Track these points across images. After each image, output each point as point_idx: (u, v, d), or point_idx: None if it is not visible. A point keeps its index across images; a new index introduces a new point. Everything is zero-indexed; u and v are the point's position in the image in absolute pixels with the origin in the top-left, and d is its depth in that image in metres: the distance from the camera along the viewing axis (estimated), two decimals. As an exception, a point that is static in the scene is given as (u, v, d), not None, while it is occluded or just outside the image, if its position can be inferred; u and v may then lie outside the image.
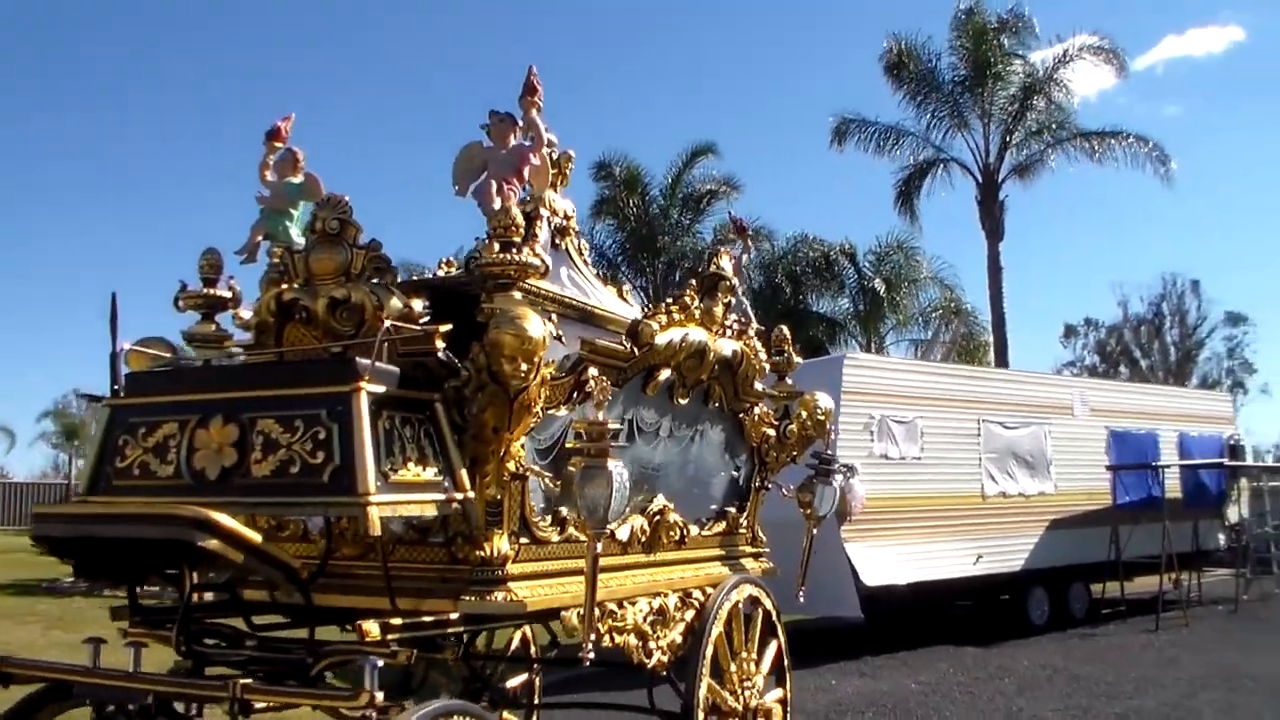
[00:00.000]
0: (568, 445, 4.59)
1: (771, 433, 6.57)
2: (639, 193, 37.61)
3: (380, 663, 3.60)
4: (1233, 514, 19.44)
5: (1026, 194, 43.77)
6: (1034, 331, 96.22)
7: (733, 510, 6.31)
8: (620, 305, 6.03)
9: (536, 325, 4.16)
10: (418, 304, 4.30)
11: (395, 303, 4.26)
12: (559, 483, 4.57)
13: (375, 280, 4.33)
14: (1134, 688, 11.04)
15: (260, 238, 5.14)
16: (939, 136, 33.31)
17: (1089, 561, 16.38)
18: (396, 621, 4.07)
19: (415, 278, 4.66)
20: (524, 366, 4.12)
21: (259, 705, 3.99)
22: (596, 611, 4.79)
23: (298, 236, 5.06)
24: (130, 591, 4.58)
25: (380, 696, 3.54)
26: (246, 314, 4.81)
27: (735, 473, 6.38)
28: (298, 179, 5.15)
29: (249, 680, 3.75)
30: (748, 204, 56.55)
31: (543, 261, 4.58)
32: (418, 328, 4.21)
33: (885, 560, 13.31)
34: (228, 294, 5.00)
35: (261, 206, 5.16)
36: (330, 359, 4.21)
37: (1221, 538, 19.10)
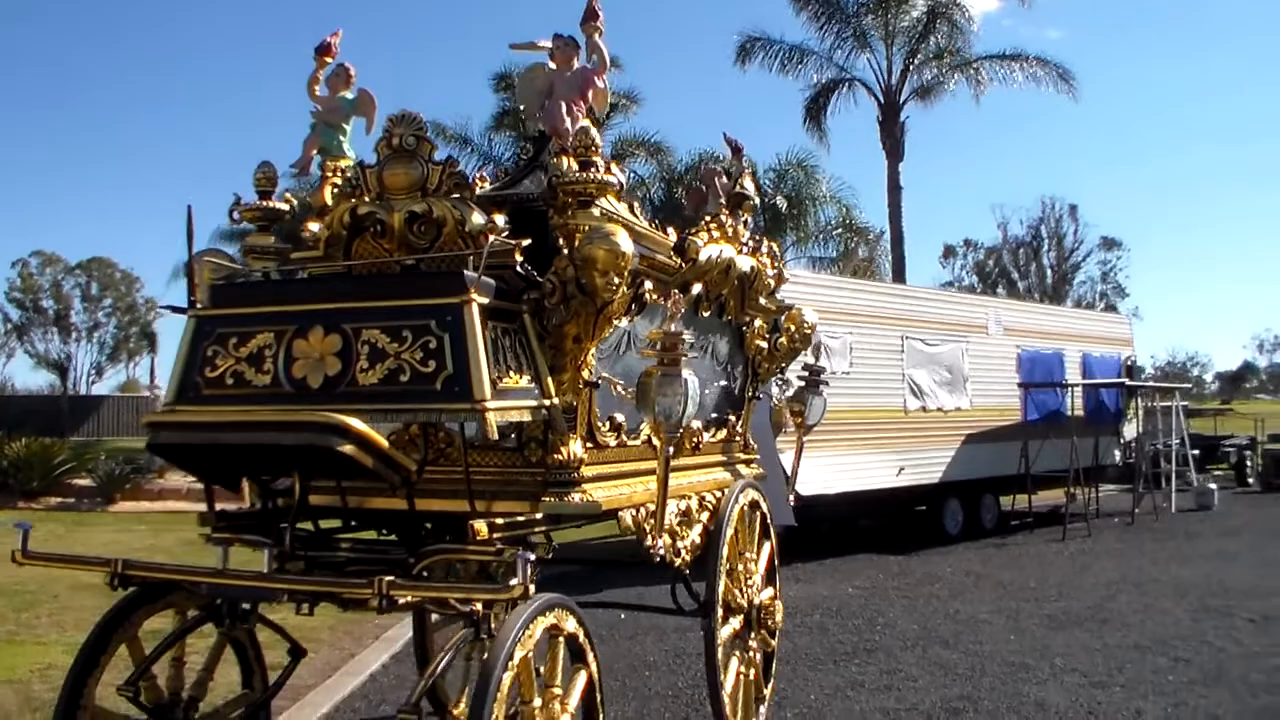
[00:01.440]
0: (644, 354, 4.71)
1: (764, 345, 6.79)
2: (538, 103, 37.31)
3: (532, 557, 3.71)
4: (1128, 431, 20.40)
5: (927, 115, 44.31)
6: (914, 251, 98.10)
7: (732, 418, 6.51)
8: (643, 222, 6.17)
9: (626, 241, 4.32)
10: (499, 219, 4.35)
11: (477, 218, 4.33)
12: (629, 390, 4.72)
13: (455, 196, 4.37)
14: (1057, 592, 11.69)
15: (314, 151, 5.13)
16: (843, 57, 33.68)
17: (1000, 475, 17.11)
18: (500, 522, 4.21)
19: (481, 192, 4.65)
20: (615, 280, 4.27)
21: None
22: (642, 513, 5.00)
23: (349, 150, 5.07)
24: (209, 498, 4.61)
25: (533, 589, 3.66)
26: (314, 227, 4.79)
27: (734, 383, 6.58)
28: (350, 94, 5.19)
29: (392, 577, 3.81)
30: (648, 118, 56.36)
31: (618, 180, 4.67)
32: (509, 242, 4.26)
33: (817, 471, 13.72)
34: (284, 206, 5.00)
35: (314, 121, 5.14)
36: (440, 272, 4.26)
37: (1118, 454, 20.04)
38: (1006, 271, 74.86)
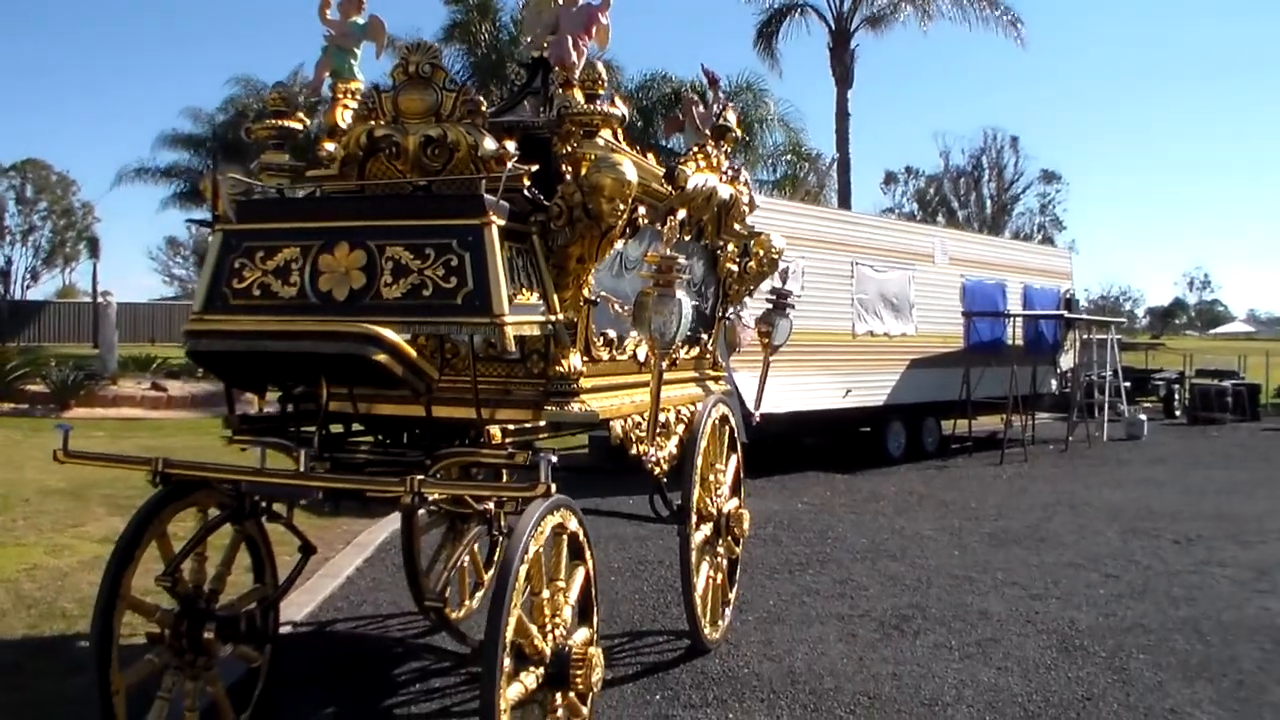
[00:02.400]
0: (641, 276, 5.02)
1: (734, 268, 7.11)
2: (490, 18, 36.96)
3: (554, 459, 4.03)
4: (1065, 362, 21.04)
5: (876, 44, 44.45)
6: (856, 177, 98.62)
7: (704, 337, 6.84)
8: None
9: (631, 170, 4.65)
10: (510, 145, 4.61)
11: (489, 144, 4.58)
12: (627, 307, 5.03)
13: (469, 122, 4.61)
14: (996, 512, 12.25)
15: (326, 73, 5.32)
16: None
17: (942, 400, 17.66)
18: (512, 428, 4.53)
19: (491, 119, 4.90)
20: (620, 206, 4.62)
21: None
22: (629, 423, 5.35)
23: (359, 73, 5.27)
24: (229, 402, 4.90)
25: (554, 488, 3.98)
26: (330, 146, 5.00)
27: (706, 303, 6.90)
28: (361, 19, 5.37)
29: (423, 476, 4.13)
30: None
31: (622, 112, 4.94)
32: (520, 168, 4.52)
33: (769, 390, 14.09)
34: (299, 126, 5.19)
35: (326, 44, 5.32)
36: (462, 195, 4.50)
37: (1054, 383, 20.68)
38: (947, 200, 75.60)
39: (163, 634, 4.55)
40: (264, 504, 4.92)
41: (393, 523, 10.24)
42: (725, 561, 6.92)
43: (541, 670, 4.15)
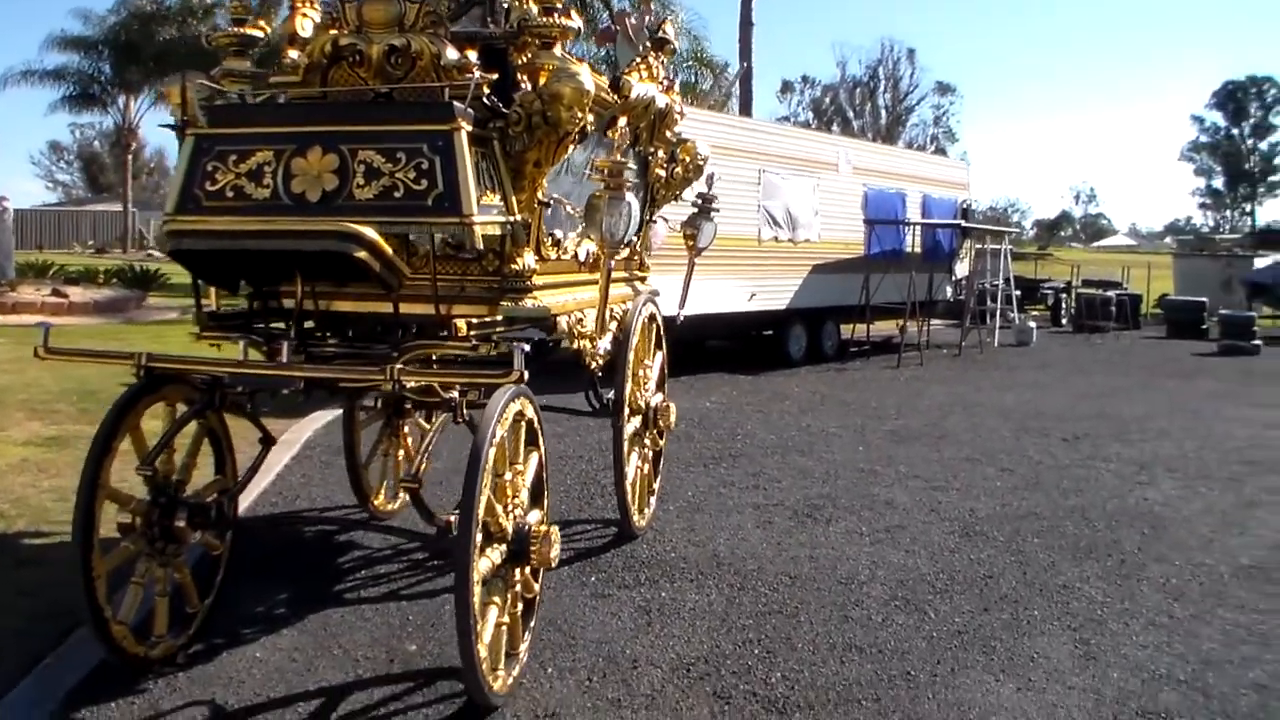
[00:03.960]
0: (592, 179, 5.24)
1: (662, 174, 7.34)
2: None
3: (527, 348, 4.28)
4: (960, 270, 21.71)
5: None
6: (754, 86, 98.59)
7: (635, 240, 7.08)
8: None
9: (589, 79, 4.90)
10: (471, 55, 4.76)
11: (451, 53, 4.77)
12: (577, 209, 5.26)
13: (432, 32, 4.77)
14: (895, 412, 12.80)
15: None
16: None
17: (842, 305, 18.16)
18: (475, 321, 4.75)
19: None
20: (578, 114, 4.86)
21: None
22: (572, 319, 5.60)
23: None
24: (197, 299, 5.06)
25: (525, 375, 4.23)
26: (294, 54, 5.10)
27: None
28: None
29: (402, 365, 4.34)
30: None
31: (577, 25, 5.13)
32: (480, 76, 4.68)
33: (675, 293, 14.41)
34: (259, 34, 5.27)
35: None
36: (433, 102, 4.67)
37: (949, 290, 21.34)
38: (842, 110, 76.28)
39: (133, 523, 4.70)
40: (229, 398, 5.08)
41: (314, 423, 10.42)
42: (651, 453, 7.25)
43: (504, 547, 4.43)
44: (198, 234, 4.57)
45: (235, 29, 5.30)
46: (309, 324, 5.40)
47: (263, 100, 5.03)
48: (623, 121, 6.10)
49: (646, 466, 7.12)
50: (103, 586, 4.46)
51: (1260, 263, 30.53)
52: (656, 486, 7.50)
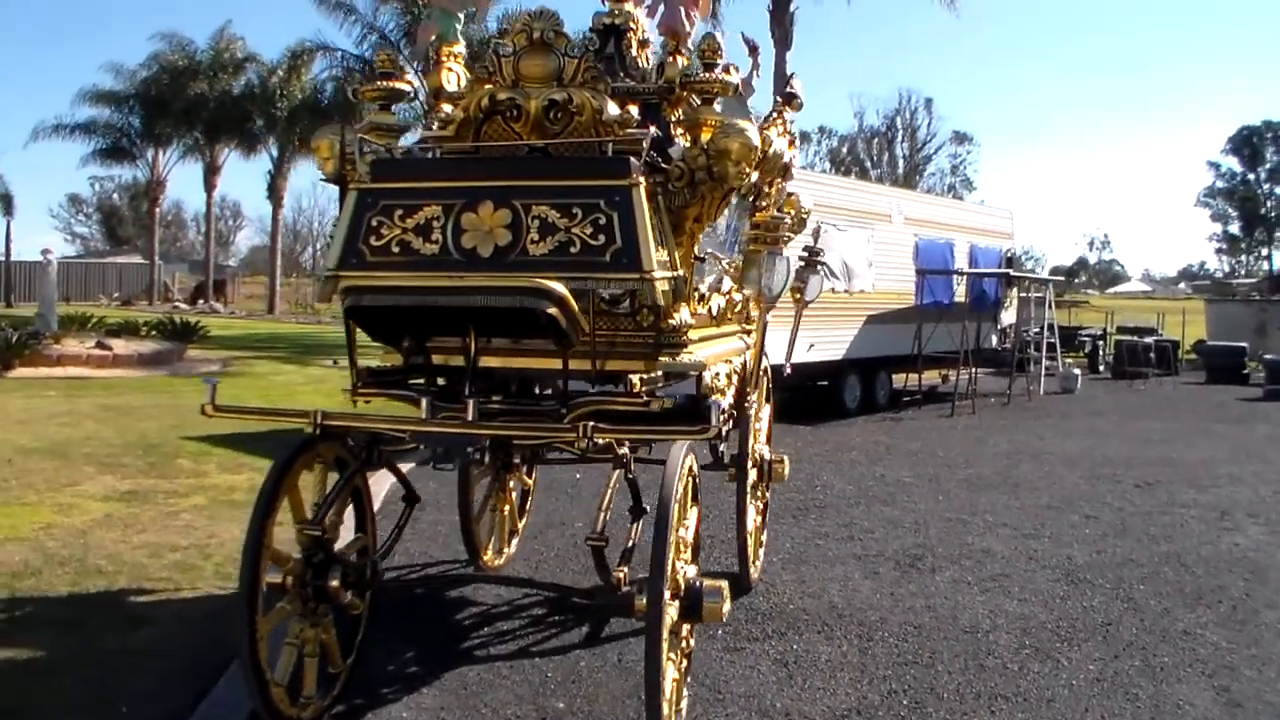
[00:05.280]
0: (746, 235, 5.32)
1: None
2: (426, -24, 36.77)
3: (724, 404, 4.33)
4: (1005, 318, 21.77)
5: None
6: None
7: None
8: None
9: (755, 135, 4.92)
10: (633, 110, 4.86)
11: (612, 109, 4.83)
12: (734, 266, 5.34)
13: (593, 87, 4.87)
14: (964, 460, 12.82)
15: (431, 37, 5.51)
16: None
17: (895, 354, 18.21)
18: (650, 376, 4.82)
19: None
20: (745, 169, 4.89)
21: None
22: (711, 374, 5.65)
23: (461, 37, 5.49)
24: (352, 355, 5.06)
25: (725, 432, 4.27)
26: (447, 108, 5.19)
27: None
28: None
29: (592, 422, 4.35)
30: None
31: (736, 81, 5.23)
32: (644, 132, 4.77)
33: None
34: (407, 88, 5.38)
35: (432, 8, 5.51)
36: (607, 157, 4.71)
37: (995, 339, 21.39)
38: (860, 160, 76.74)
39: (284, 582, 4.66)
40: (384, 456, 5.13)
41: (386, 478, 10.46)
42: (762, 505, 7.32)
43: (678, 603, 4.42)
44: (379, 290, 4.59)
45: (382, 82, 5.40)
46: (441, 380, 5.46)
47: (430, 154, 5.10)
48: (755, 174, 6.20)
49: (760, 519, 7.18)
50: (264, 648, 4.45)
51: (1299, 306, 30.56)
52: (765, 539, 7.55)
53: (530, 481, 7.95)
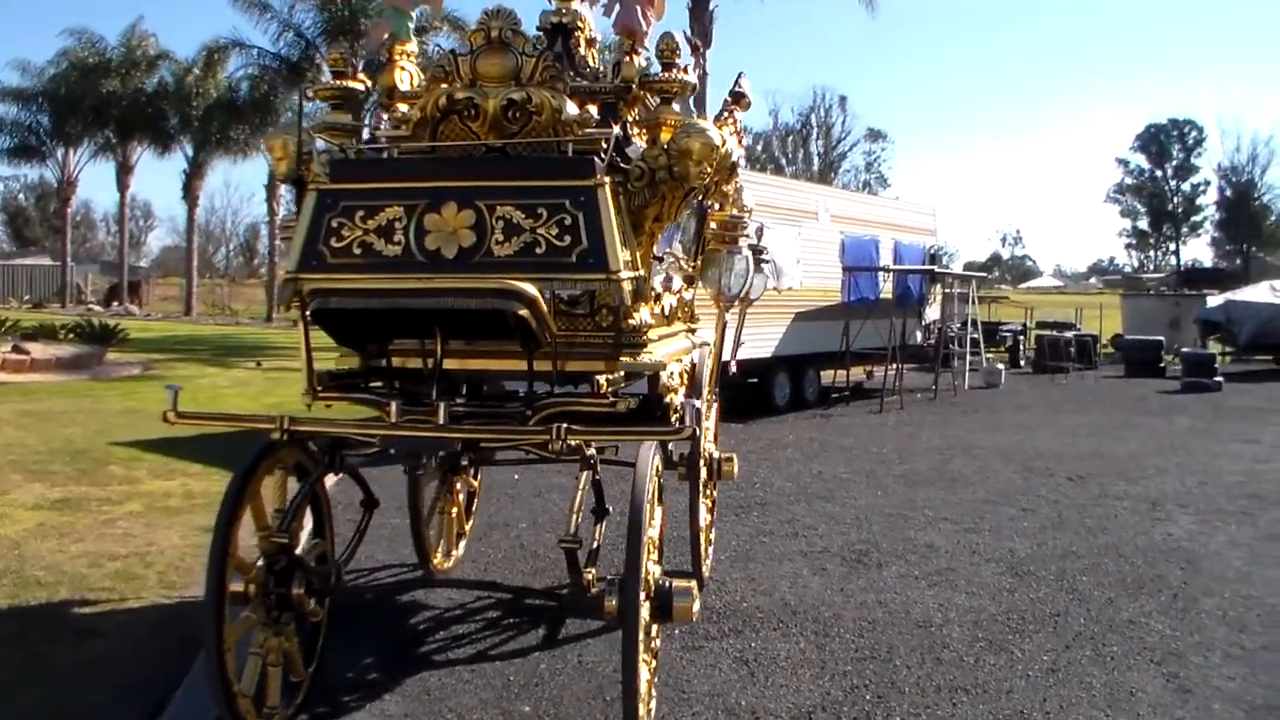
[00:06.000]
0: (708, 234, 5.30)
1: (715, 226, 7.45)
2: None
3: (699, 404, 4.31)
4: (930, 314, 22.06)
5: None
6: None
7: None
8: None
9: (717, 135, 4.88)
10: (592, 109, 4.82)
11: (571, 108, 4.79)
12: (694, 264, 5.32)
13: (551, 86, 4.80)
14: (898, 456, 12.96)
15: (384, 35, 5.42)
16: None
17: (823, 351, 18.37)
18: (614, 377, 4.79)
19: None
20: (706, 168, 4.84)
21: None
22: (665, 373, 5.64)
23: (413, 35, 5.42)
24: (308, 360, 4.93)
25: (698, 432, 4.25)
26: (403, 108, 5.12)
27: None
28: None
29: (565, 424, 4.30)
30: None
31: (694, 81, 5.21)
32: (605, 131, 4.74)
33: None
34: (360, 86, 5.29)
35: (385, 6, 5.43)
36: (572, 157, 4.69)
37: (919, 335, 21.66)
38: (775, 157, 77.30)
39: (248, 590, 4.55)
40: (346, 460, 5.05)
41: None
42: (710, 503, 7.33)
43: (649, 604, 4.41)
44: (344, 293, 4.52)
45: (336, 82, 5.31)
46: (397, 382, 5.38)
47: (389, 153, 5.03)
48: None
49: (709, 518, 7.19)
50: (232, 659, 4.36)
51: (1212, 301, 31.34)
52: (713, 537, 7.57)
53: (476, 484, 7.88)
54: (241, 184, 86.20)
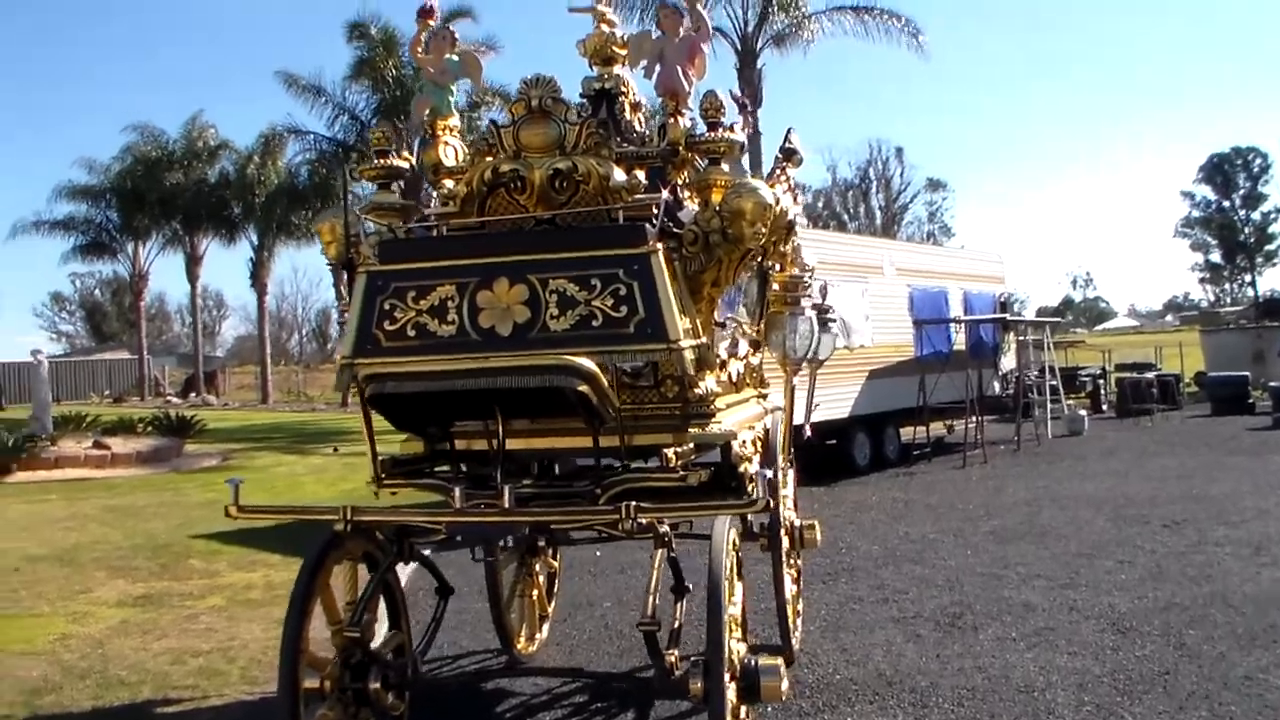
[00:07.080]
0: (770, 298, 5.18)
1: (778, 286, 7.33)
2: (395, 55, 37.04)
3: (770, 474, 4.17)
4: (1005, 363, 21.67)
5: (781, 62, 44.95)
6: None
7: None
8: None
9: (769, 194, 4.79)
10: (640, 174, 4.74)
11: (619, 175, 4.71)
12: (757, 329, 5.19)
13: (597, 153, 4.74)
14: (985, 511, 12.63)
15: (425, 111, 5.41)
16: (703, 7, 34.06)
17: (899, 408, 18.09)
18: (683, 449, 4.65)
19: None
20: (761, 229, 4.74)
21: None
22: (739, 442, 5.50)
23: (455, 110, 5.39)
24: (372, 448, 4.90)
25: (771, 504, 4.11)
26: (449, 184, 5.08)
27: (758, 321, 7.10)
28: (455, 56, 5.45)
29: (634, 502, 4.20)
30: (506, 66, 56.00)
31: (743, 139, 5.12)
32: (655, 196, 4.66)
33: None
34: (404, 165, 5.26)
35: (422, 82, 5.42)
36: (623, 225, 4.61)
37: (996, 385, 21.27)
38: (837, 213, 77.12)
39: (323, 687, 4.50)
40: (414, 549, 4.96)
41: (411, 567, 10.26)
42: (795, 573, 7.13)
43: (735, 684, 4.25)
44: (399, 376, 4.45)
45: (380, 161, 5.28)
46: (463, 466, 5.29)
47: (437, 232, 4.98)
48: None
49: (795, 588, 6.99)
50: None
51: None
52: (801, 608, 7.36)
53: (556, 564, 7.75)
54: (310, 269, 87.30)
